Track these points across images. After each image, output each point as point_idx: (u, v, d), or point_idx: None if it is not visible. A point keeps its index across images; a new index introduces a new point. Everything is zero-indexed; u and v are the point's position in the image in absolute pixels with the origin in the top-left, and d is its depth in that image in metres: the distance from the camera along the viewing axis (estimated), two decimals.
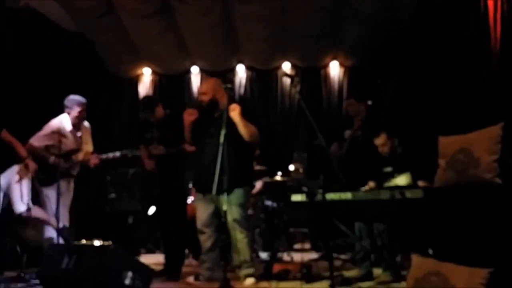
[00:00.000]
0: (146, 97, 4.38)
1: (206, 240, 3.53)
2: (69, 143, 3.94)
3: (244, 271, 3.42)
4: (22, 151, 3.78)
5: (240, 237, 3.42)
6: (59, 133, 3.87)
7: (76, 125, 4.00)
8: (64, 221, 3.96)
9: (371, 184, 3.69)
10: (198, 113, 3.60)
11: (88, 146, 4.08)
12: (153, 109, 3.92)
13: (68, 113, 3.97)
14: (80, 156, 4.00)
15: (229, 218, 3.36)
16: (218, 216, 3.52)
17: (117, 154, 3.97)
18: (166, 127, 3.93)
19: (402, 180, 3.55)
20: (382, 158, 3.72)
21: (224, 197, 3.19)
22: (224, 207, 3.19)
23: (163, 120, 3.97)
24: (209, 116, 3.58)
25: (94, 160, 3.94)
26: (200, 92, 3.70)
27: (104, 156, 4.00)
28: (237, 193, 3.43)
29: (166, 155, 3.89)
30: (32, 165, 3.76)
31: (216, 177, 3.11)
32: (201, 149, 3.58)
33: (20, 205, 3.79)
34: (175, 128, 3.79)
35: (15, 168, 3.87)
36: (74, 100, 3.96)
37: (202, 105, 3.65)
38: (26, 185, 3.82)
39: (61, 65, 5.55)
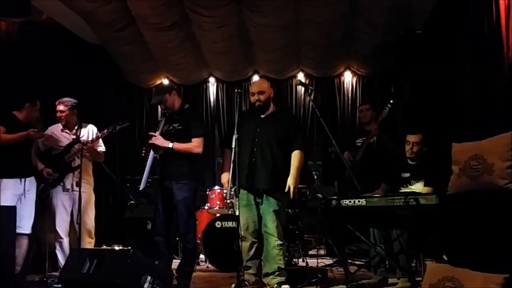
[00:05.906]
0: (159, 84, 4.06)
1: (250, 246, 3.46)
2: (63, 141, 4.07)
3: (277, 279, 3.38)
4: None
5: (275, 244, 3.41)
6: (52, 136, 4.05)
7: (65, 125, 4.09)
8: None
9: (383, 187, 3.69)
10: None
11: (101, 149, 4.23)
12: (162, 95, 3.53)
13: None
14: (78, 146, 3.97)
15: (268, 225, 3.40)
16: (259, 223, 3.49)
17: (106, 131, 3.97)
18: (179, 120, 3.57)
19: (419, 187, 3.55)
20: (398, 163, 3.72)
21: (264, 202, 3.37)
22: (263, 212, 3.37)
23: (178, 113, 3.63)
24: (257, 116, 3.51)
25: (89, 143, 3.98)
26: (257, 91, 3.47)
27: (96, 136, 4.06)
28: (272, 200, 3.44)
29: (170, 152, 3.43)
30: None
31: (263, 174, 3.36)
32: (246, 147, 3.43)
33: (28, 227, 3.79)
34: (189, 123, 3.51)
35: (34, 183, 3.88)
36: None
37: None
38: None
39: (82, 76, 5.71)
